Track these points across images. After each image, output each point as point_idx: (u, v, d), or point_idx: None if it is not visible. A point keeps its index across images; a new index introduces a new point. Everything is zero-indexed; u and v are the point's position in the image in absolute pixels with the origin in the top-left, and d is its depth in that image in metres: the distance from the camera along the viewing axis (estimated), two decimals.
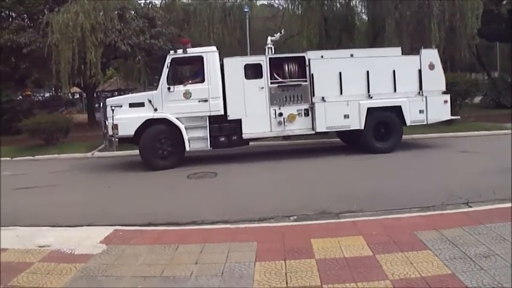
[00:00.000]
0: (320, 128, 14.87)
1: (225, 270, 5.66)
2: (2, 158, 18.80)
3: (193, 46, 15.34)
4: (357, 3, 28.08)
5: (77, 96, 55.78)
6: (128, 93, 25.94)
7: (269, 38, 16.48)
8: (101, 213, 9.34)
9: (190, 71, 17.47)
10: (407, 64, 15.36)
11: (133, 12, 27.53)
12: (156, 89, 14.96)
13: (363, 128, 14.91)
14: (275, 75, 14.86)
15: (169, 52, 14.98)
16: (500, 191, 8.90)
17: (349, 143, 17.01)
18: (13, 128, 23.86)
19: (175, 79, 14.70)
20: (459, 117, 16.59)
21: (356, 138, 15.64)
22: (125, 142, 15.00)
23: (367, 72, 14.93)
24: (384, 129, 15.23)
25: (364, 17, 28.57)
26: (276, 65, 14.97)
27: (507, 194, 8.50)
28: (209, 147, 14.64)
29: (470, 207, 8.19)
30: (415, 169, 12.46)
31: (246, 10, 26.91)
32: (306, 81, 14.86)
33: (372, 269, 5.40)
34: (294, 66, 15.04)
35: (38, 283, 5.54)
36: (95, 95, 38.50)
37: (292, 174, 12.81)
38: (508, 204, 7.71)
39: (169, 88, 14.27)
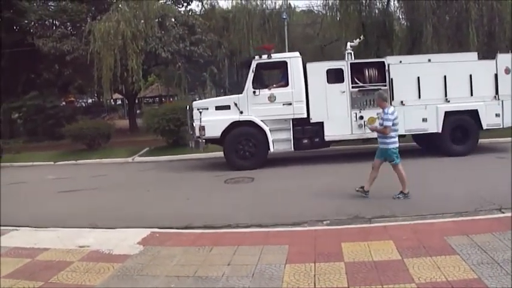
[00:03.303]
0: (399, 131, 14.94)
1: (255, 271, 5.84)
2: (45, 162, 19.57)
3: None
4: (395, 8, 27.94)
5: (119, 102, 56.61)
6: (169, 99, 26.39)
7: (348, 43, 16.76)
8: (139, 215, 9.62)
9: (274, 76, 17.85)
10: (484, 68, 15.43)
11: (173, 20, 27.91)
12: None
13: (440, 131, 15.08)
14: (355, 80, 15.16)
15: (254, 57, 15.39)
16: None
17: (424, 146, 17.08)
18: (56, 133, 24.64)
19: (259, 83, 15.23)
20: None
21: (432, 141, 15.80)
22: (210, 143, 15.55)
23: (445, 76, 15.13)
24: (461, 132, 15.29)
25: (403, 22, 28.35)
26: (356, 70, 15.28)
27: None
28: (292, 149, 15.09)
29: (503, 213, 8.15)
30: (451, 174, 12.38)
31: (284, 17, 27.11)
32: (385, 85, 15.05)
33: (398, 273, 5.49)
34: (373, 71, 15.33)
35: (77, 281, 5.83)
36: (136, 101, 39.12)
37: (335, 178, 12.86)
38: None
39: (254, 92, 14.76)
